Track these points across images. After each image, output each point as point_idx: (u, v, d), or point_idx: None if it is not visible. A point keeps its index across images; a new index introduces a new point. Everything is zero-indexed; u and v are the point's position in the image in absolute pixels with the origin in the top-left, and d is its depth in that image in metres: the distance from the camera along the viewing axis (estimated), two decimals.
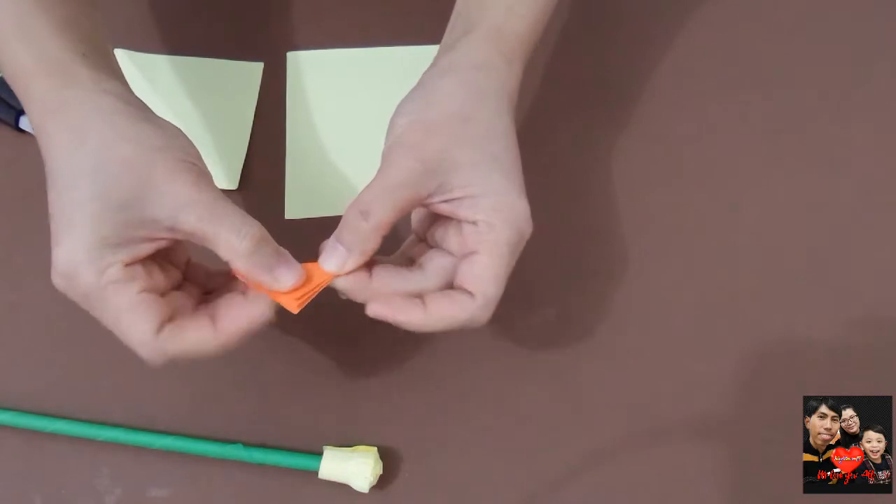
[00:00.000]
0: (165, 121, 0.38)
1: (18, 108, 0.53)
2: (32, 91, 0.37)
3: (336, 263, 0.37)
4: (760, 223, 0.52)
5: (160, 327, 0.35)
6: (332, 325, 0.48)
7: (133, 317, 0.35)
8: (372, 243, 0.37)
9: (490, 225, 0.37)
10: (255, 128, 0.54)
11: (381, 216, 0.37)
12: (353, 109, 0.55)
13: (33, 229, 0.51)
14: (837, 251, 0.51)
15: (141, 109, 0.38)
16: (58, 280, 0.36)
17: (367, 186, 0.37)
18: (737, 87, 0.56)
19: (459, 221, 0.38)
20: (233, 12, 0.59)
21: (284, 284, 0.37)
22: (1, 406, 0.45)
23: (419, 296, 0.38)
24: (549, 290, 0.50)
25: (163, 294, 0.37)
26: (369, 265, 0.38)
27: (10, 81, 0.39)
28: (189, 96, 0.55)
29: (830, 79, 0.57)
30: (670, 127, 0.55)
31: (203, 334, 0.36)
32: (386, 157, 0.38)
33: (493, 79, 0.40)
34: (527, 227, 0.38)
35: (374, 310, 0.37)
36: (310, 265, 0.38)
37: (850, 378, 0.47)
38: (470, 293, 0.37)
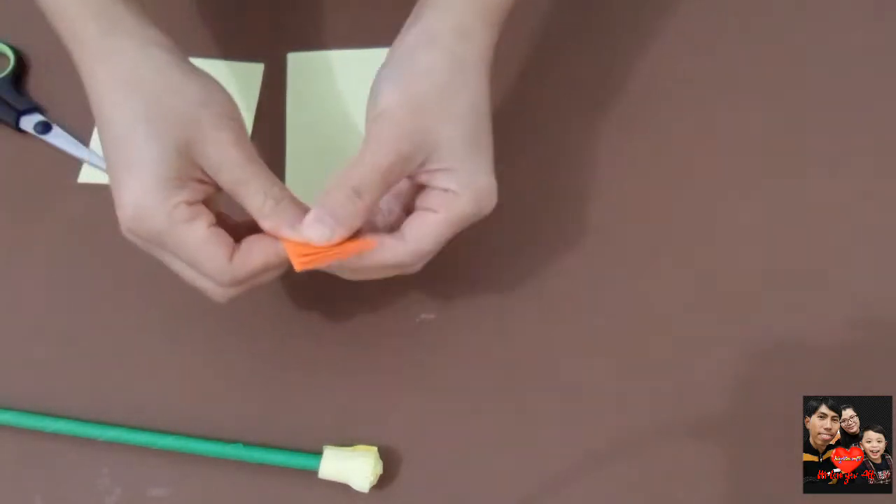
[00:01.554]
0: (206, 74, 0.40)
1: (19, 108, 0.53)
2: (81, 35, 0.39)
3: (325, 235, 0.38)
4: (760, 223, 0.52)
5: (232, 255, 0.38)
6: (333, 325, 0.48)
7: (210, 248, 0.37)
8: (360, 219, 0.38)
9: (457, 195, 0.39)
10: (255, 129, 0.54)
11: (374, 196, 0.38)
12: (353, 110, 0.55)
13: (34, 229, 0.51)
14: (837, 251, 0.51)
15: (184, 61, 0.40)
16: (128, 223, 0.38)
17: (358, 163, 0.38)
18: (736, 88, 0.56)
19: (429, 187, 0.40)
20: (233, 13, 0.59)
21: (308, 234, 0.38)
22: (1, 406, 0.45)
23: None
24: (548, 290, 0.50)
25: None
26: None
27: (54, 24, 0.40)
28: None
29: (830, 79, 0.57)
30: (670, 127, 0.55)
31: (267, 247, 0.38)
32: (373, 131, 0.39)
33: (475, 46, 0.41)
34: (488, 206, 0.40)
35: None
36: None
37: (850, 378, 0.47)
38: (403, 238, 0.39)
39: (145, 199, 0.37)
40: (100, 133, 0.39)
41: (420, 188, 0.40)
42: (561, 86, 0.56)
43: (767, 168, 0.54)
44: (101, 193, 0.51)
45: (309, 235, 0.38)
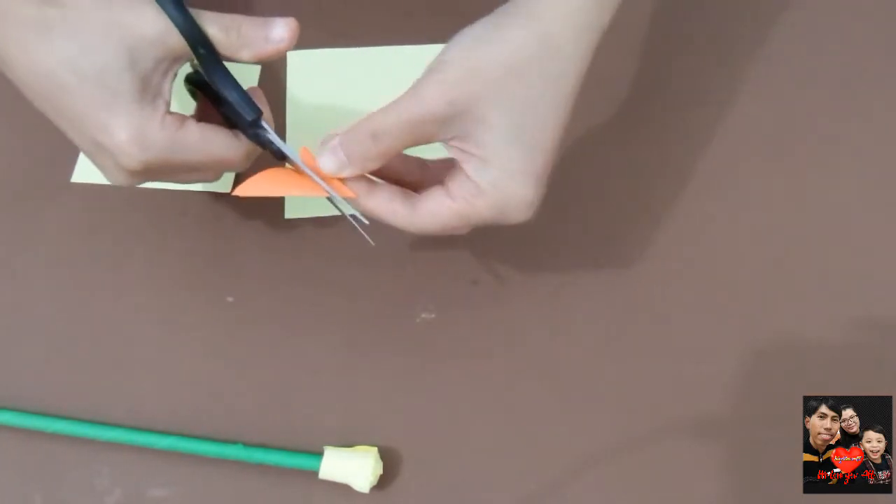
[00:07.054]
0: None
1: None
2: None
3: (334, 166, 0.37)
4: (761, 223, 0.52)
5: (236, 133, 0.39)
6: (333, 325, 0.48)
7: (214, 134, 0.38)
8: (374, 163, 0.37)
9: (481, 193, 0.36)
10: None
11: (392, 144, 0.36)
12: (353, 109, 0.55)
13: (33, 229, 0.51)
14: (837, 251, 0.51)
15: None
16: (136, 157, 0.36)
17: (390, 108, 0.36)
18: (737, 87, 0.56)
19: (459, 167, 0.37)
20: (232, 10, 0.59)
21: (280, 36, 0.39)
22: (1, 406, 0.45)
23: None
24: (549, 289, 0.50)
25: None
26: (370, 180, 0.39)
27: None
28: (184, 96, 0.55)
29: (830, 79, 0.57)
30: (671, 127, 0.55)
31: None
32: (422, 81, 0.35)
33: (581, 42, 0.36)
34: (517, 217, 0.37)
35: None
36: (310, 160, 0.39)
37: (850, 378, 0.47)
38: (413, 209, 0.38)
39: (140, 126, 0.36)
40: (51, 105, 0.36)
41: (451, 160, 0.38)
42: None
43: (768, 168, 0.54)
44: (96, 192, 0.51)
45: (324, 166, 0.37)
